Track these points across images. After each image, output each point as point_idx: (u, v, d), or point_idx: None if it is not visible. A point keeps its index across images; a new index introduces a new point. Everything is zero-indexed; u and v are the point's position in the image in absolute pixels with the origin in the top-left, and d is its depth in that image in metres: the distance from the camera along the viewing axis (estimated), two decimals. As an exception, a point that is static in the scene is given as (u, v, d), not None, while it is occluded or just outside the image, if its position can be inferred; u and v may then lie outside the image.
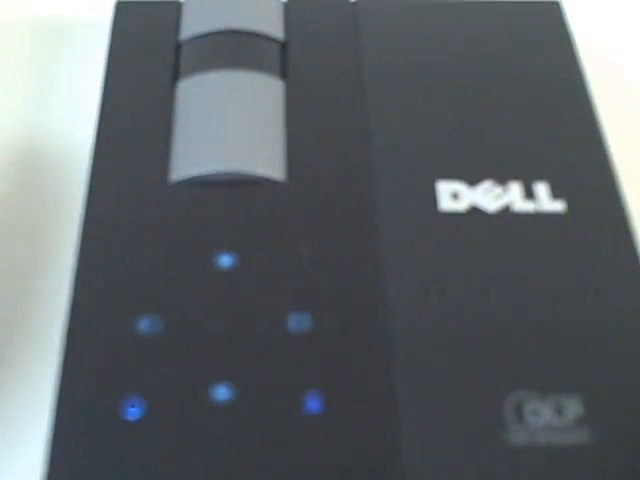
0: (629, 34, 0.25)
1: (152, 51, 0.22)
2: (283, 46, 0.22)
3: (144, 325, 0.17)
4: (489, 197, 0.19)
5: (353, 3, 0.23)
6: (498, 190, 0.19)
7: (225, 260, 0.18)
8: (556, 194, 0.19)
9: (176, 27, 0.23)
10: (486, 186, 0.19)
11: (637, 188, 0.20)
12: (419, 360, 0.17)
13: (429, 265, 0.18)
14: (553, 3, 0.24)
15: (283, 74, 0.22)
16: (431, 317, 0.17)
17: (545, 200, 0.19)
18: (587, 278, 0.18)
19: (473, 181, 0.19)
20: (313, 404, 0.16)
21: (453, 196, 0.19)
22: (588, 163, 0.20)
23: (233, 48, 0.22)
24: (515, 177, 0.20)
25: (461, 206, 0.19)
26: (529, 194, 0.19)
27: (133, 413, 0.16)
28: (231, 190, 0.19)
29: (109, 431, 0.16)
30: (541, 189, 0.19)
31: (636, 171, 0.21)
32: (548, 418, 0.16)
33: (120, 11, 0.23)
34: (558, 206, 0.19)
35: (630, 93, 0.23)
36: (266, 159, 0.20)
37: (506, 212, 0.19)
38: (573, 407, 0.16)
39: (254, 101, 0.21)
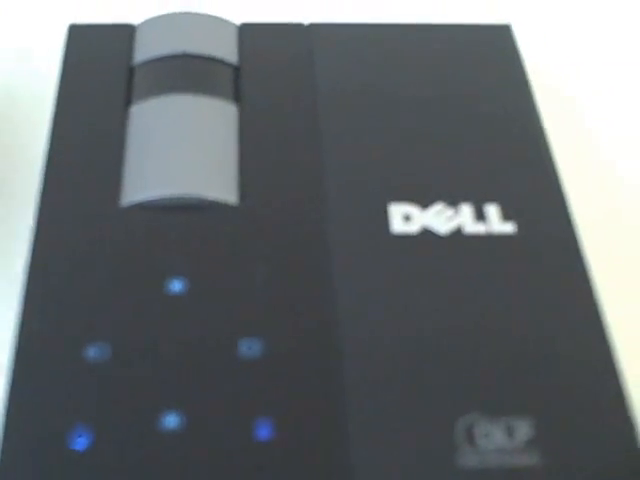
0: (578, 57, 0.25)
1: (105, 74, 0.22)
2: (236, 70, 0.22)
3: (92, 352, 0.17)
4: (441, 219, 0.19)
5: (307, 27, 0.24)
6: (450, 212, 0.19)
7: (176, 285, 0.18)
8: (506, 215, 0.19)
9: (129, 51, 0.23)
10: (438, 208, 0.20)
11: (585, 209, 0.21)
12: (370, 385, 0.17)
13: (382, 289, 0.18)
14: (503, 27, 0.24)
15: (236, 98, 0.22)
16: (383, 341, 0.17)
17: (495, 222, 0.19)
18: (537, 300, 0.18)
19: (425, 203, 0.20)
20: (264, 431, 0.16)
21: (405, 218, 0.19)
22: (538, 185, 0.20)
23: (186, 72, 0.22)
24: (466, 199, 0.20)
25: (413, 228, 0.19)
26: (480, 216, 0.19)
27: (81, 443, 0.16)
28: (183, 214, 0.19)
29: (57, 461, 0.15)
30: (491, 211, 0.20)
31: (584, 192, 0.21)
32: (499, 440, 0.16)
33: (73, 34, 0.23)
34: (508, 227, 0.19)
35: (579, 115, 0.24)
36: (218, 183, 0.20)
37: (458, 234, 0.19)
38: (523, 429, 0.16)
39: (207, 125, 0.21)
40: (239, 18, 0.24)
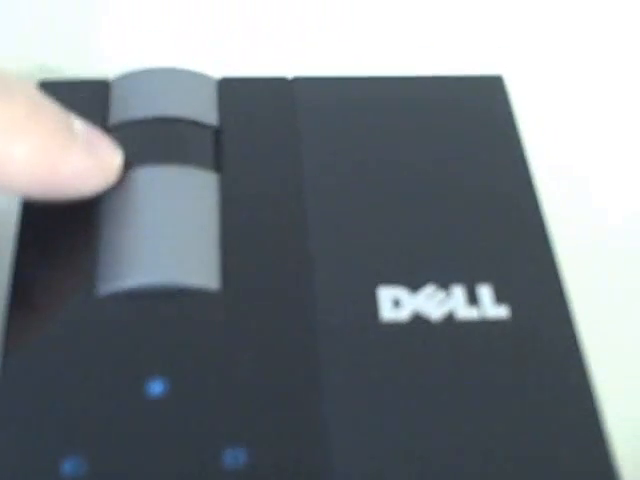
0: (572, 109, 0.24)
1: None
2: (216, 132, 0.21)
3: (68, 467, 0.16)
4: (432, 303, 0.18)
5: (290, 81, 0.23)
6: (441, 295, 0.19)
7: (156, 387, 0.17)
8: (500, 298, 0.19)
9: (104, 109, 0.22)
10: (429, 291, 0.19)
11: (582, 285, 0.20)
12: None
13: (370, 386, 0.17)
14: (495, 78, 0.23)
15: (217, 165, 0.21)
16: (371, 440, 0.17)
17: (489, 305, 0.19)
18: (532, 391, 0.17)
19: (415, 286, 0.19)
20: None
21: (394, 303, 0.18)
22: (533, 263, 0.19)
23: (163, 139, 0.21)
24: (458, 280, 0.19)
25: (403, 314, 0.18)
26: (472, 299, 0.19)
27: None
28: (162, 303, 0.18)
29: None
30: (484, 293, 0.19)
31: (582, 269, 0.21)
32: None
33: (45, 91, 0.22)
34: (502, 311, 0.18)
35: (574, 176, 0.23)
36: (199, 267, 0.19)
37: (450, 319, 0.18)
38: None
39: (186, 200, 0.20)
40: (219, 68, 0.23)
